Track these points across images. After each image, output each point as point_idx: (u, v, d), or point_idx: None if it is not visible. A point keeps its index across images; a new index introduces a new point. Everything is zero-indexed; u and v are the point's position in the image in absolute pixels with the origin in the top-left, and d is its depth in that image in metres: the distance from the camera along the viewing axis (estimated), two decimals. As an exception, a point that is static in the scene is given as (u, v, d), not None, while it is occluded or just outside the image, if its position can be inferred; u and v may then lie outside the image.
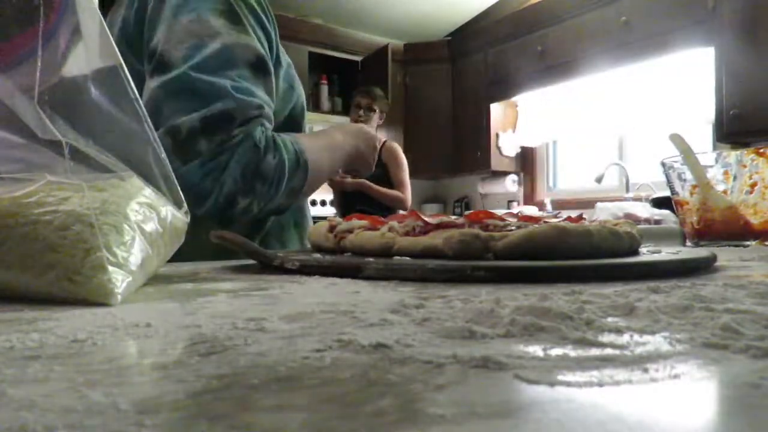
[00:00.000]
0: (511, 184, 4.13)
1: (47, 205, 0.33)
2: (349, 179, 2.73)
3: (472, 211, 0.62)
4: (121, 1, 0.84)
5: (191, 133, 0.69)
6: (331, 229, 0.61)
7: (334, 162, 0.90)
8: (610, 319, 0.25)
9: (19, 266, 0.32)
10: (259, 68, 0.78)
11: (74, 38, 0.38)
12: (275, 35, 0.86)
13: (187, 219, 0.45)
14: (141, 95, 0.67)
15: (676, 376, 0.17)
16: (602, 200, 3.45)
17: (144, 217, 0.37)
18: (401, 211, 2.77)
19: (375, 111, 2.92)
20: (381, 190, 2.82)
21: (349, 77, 4.29)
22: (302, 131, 0.95)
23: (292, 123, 0.92)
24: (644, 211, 2.12)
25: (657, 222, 1.99)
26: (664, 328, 0.23)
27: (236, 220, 0.75)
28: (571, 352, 0.20)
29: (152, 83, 0.72)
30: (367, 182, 2.77)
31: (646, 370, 0.17)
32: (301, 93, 0.95)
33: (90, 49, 0.38)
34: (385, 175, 2.90)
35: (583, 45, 3.36)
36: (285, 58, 0.92)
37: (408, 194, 2.92)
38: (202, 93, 0.70)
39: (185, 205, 0.44)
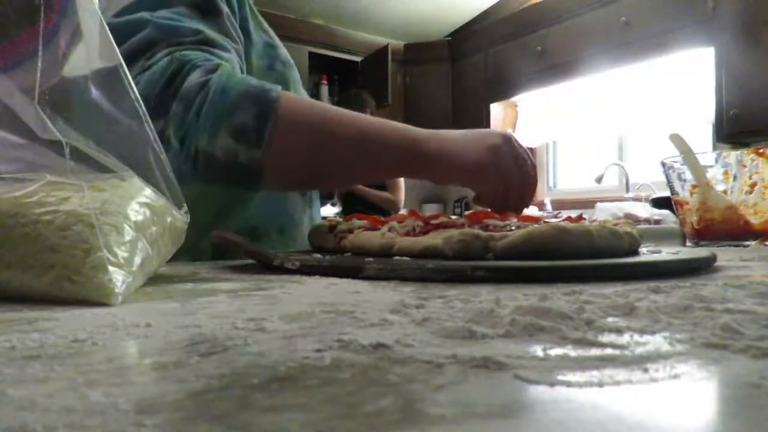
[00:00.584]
0: (511, 184, 4.12)
1: (47, 205, 0.33)
2: None
3: (472, 211, 0.62)
4: None
5: None
6: (331, 229, 0.61)
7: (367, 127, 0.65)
8: (610, 319, 0.25)
9: (19, 266, 0.32)
10: (203, 6, 0.66)
11: (74, 38, 0.38)
12: (239, 6, 0.76)
13: (187, 219, 0.45)
14: None
15: (676, 376, 0.17)
16: (602, 200, 3.45)
17: (144, 217, 0.37)
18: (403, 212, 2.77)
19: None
20: (371, 192, 2.80)
21: (349, 77, 4.29)
22: None
23: None
24: (644, 211, 2.12)
25: (657, 222, 1.99)
26: (664, 328, 0.23)
27: None
28: (571, 352, 0.20)
29: None
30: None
31: (646, 370, 0.17)
32: (286, 73, 0.82)
33: (90, 50, 0.38)
34: None
35: (583, 45, 3.36)
36: (261, 36, 0.81)
37: (400, 196, 2.90)
38: (116, 33, 0.58)
39: (185, 205, 0.44)
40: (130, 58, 0.59)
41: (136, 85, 0.53)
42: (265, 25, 0.85)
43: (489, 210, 0.67)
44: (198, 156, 0.59)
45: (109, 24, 0.61)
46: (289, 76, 0.82)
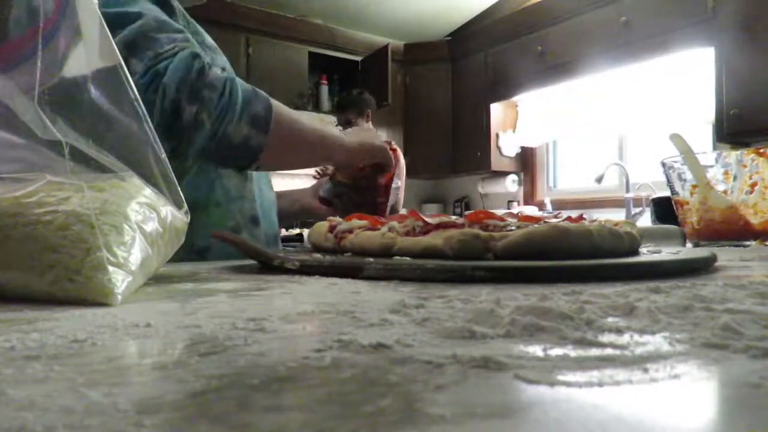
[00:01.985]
0: (511, 184, 4.12)
1: (47, 205, 0.33)
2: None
3: (472, 211, 0.62)
4: None
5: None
6: (331, 229, 0.61)
7: (318, 134, 0.85)
8: (610, 319, 0.25)
9: (20, 266, 0.32)
10: (162, 4, 0.77)
11: (74, 38, 0.38)
12: None
13: (187, 219, 0.45)
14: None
15: (676, 376, 0.17)
16: (602, 200, 3.45)
17: (144, 217, 0.37)
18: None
19: (353, 122, 2.91)
20: None
21: (349, 77, 4.29)
22: None
23: None
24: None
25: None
26: (664, 328, 0.23)
27: (189, 139, 0.70)
28: (571, 352, 0.20)
29: None
30: None
31: (646, 370, 0.17)
32: (214, 58, 0.89)
33: (90, 50, 0.38)
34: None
35: (583, 45, 3.36)
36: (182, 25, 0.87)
37: (400, 196, 2.93)
38: (109, 23, 0.68)
39: (185, 205, 0.44)
40: (133, 44, 0.69)
41: (162, 69, 0.68)
42: (183, 11, 0.89)
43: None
44: (224, 137, 0.73)
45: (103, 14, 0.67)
46: (216, 60, 0.90)
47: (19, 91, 0.35)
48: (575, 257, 0.46)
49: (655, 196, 2.31)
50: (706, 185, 0.98)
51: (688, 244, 1.02)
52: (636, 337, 0.22)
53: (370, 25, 4.32)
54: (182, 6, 0.98)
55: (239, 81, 0.74)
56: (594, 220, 0.61)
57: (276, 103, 0.78)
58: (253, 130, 0.74)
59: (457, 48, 4.34)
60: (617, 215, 2.97)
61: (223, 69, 0.76)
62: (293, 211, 1.20)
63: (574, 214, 0.70)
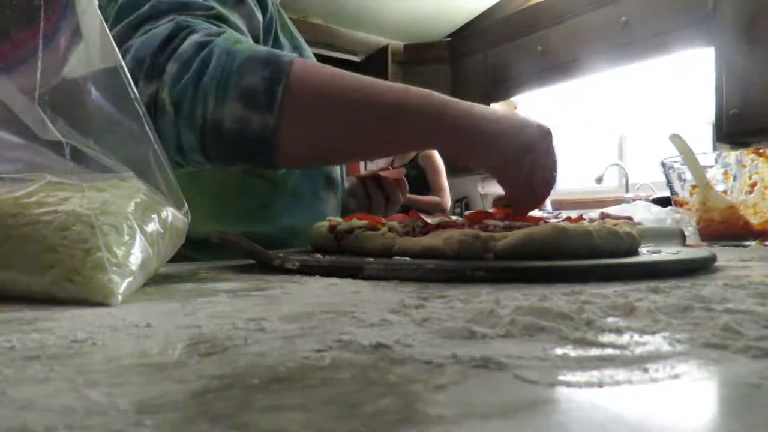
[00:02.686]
0: (511, 184, 4.12)
1: (47, 205, 0.33)
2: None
3: (472, 211, 0.62)
4: None
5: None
6: (331, 229, 0.61)
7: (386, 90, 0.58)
8: (610, 319, 0.25)
9: (20, 266, 0.32)
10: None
11: (74, 39, 0.38)
12: (266, 6, 0.72)
13: (188, 219, 0.45)
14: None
15: (676, 376, 0.17)
16: (602, 200, 3.45)
17: (144, 217, 0.37)
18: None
19: None
20: (420, 199, 2.82)
21: (349, 77, 4.29)
22: None
23: None
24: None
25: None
26: (664, 328, 0.23)
27: (161, 133, 0.49)
28: (571, 352, 0.20)
29: None
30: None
31: (646, 370, 0.17)
32: None
33: (90, 50, 0.38)
34: (422, 179, 2.92)
35: (583, 45, 3.36)
36: (289, 40, 0.78)
37: (446, 197, 2.95)
38: (124, 9, 0.56)
39: (186, 205, 0.44)
40: (135, 29, 0.54)
41: (129, 49, 0.52)
42: (292, 27, 0.82)
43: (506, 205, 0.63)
44: (206, 125, 0.52)
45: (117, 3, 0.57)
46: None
47: (19, 91, 0.35)
48: (575, 257, 0.46)
49: (655, 196, 2.30)
50: (706, 185, 0.98)
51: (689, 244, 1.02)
52: (636, 337, 0.22)
53: (370, 25, 4.32)
54: None
55: (234, 47, 0.53)
56: (594, 220, 0.61)
57: (299, 68, 0.54)
58: (248, 110, 0.52)
59: (457, 48, 4.34)
60: (617, 215, 2.97)
61: (237, 41, 0.54)
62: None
63: (574, 214, 0.70)
